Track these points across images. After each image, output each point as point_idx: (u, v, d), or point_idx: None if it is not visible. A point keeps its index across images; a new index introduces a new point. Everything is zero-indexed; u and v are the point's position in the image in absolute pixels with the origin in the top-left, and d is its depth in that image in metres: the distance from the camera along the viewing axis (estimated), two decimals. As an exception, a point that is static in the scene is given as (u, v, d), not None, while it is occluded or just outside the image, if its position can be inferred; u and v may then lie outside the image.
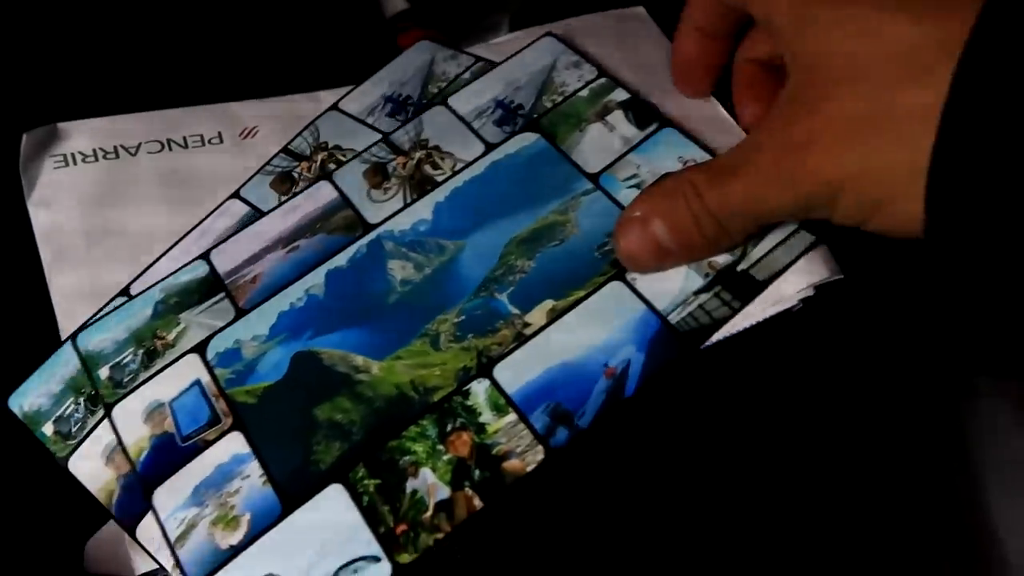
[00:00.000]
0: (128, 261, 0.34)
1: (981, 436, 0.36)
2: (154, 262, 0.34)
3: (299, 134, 0.37)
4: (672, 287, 0.30)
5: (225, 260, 0.34)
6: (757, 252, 0.30)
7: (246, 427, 0.30)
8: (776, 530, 0.31)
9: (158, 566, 0.29)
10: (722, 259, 0.30)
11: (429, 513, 0.28)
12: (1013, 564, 0.35)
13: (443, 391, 0.29)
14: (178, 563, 0.28)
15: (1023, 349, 0.28)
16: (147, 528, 0.29)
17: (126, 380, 0.32)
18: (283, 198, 0.35)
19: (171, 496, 0.29)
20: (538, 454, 0.28)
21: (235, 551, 0.28)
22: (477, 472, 0.28)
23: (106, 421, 0.31)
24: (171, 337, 0.33)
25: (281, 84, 0.38)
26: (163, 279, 0.34)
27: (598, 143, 0.34)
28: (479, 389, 0.29)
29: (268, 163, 0.37)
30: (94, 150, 0.35)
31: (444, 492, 0.28)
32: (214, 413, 0.31)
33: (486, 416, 0.29)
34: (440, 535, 0.27)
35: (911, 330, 0.31)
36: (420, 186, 0.34)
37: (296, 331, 0.32)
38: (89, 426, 0.31)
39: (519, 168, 0.34)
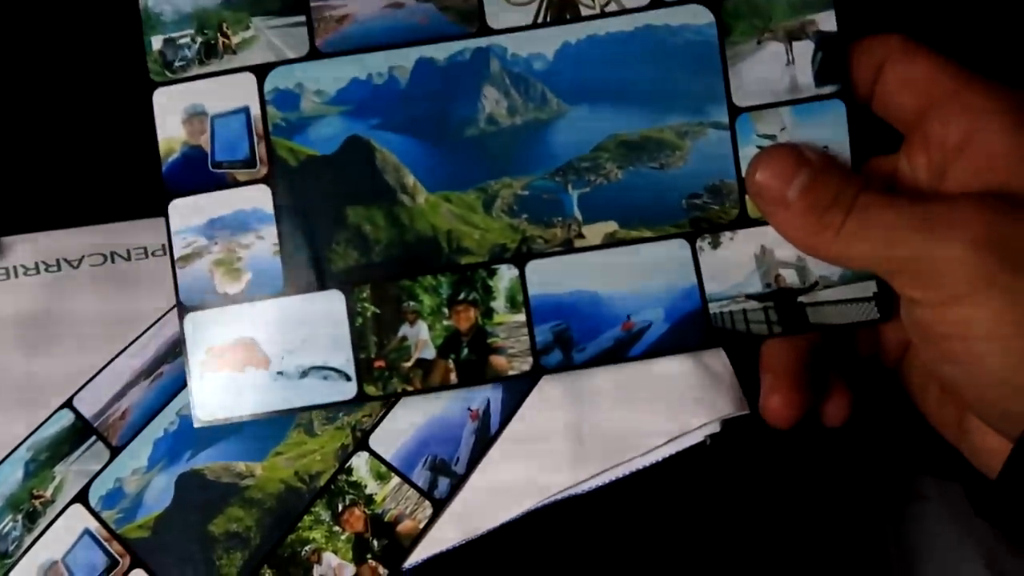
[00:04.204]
0: (68, 374, 0.33)
1: (920, 544, 0.38)
2: (98, 373, 0.32)
3: None
4: (731, 279, 0.29)
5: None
6: (823, 295, 0.29)
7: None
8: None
9: None
10: (791, 279, 0.29)
11: (409, 364, 0.29)
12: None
13: (473, 258, 0.29)
14: (175, 277, 0.30)
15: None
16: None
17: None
18: None
19: (185, 214, 0.29)
20: (525, 364, 0.29)
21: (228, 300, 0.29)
22: (466, 351, 0.29)
23: (42, 539, 0.31)
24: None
25: None
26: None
27: (766, 71, 0.29)
28: (505, 274, 0.29)
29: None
30: (36, 263, 0.33)
31: (430, 353, 0.29)
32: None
33: (498, 304, 0.29)
34: (410, 388, 0.29)
35: (857, 430, 0.31)
36: (560, 8, 0.29)
37: (363, 111, 0.29)
38: (26, 544, 0.31)
39: (671, 51, 0.29)
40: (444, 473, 0.30)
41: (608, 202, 0.29)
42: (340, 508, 0.30)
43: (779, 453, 0.33)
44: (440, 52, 0.29)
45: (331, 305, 0.29)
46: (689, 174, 0.29)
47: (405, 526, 0.30)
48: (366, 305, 0.29)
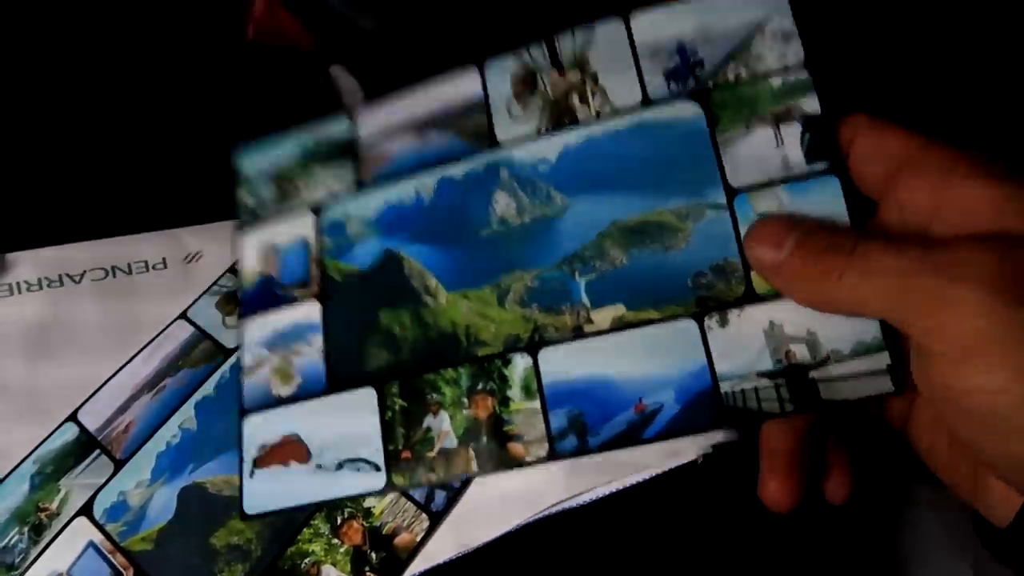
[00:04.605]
0: (72, 387, 0.34)
1: (912, 550, 0.37)
2: (102, 385, 0.34)
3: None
4: (741, 357, 0.28)
5: (369, 124, 0.35)
6: (835, 370, 0.27)
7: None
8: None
9: None
10: (801, 354, 0.28)
11: (433, 454, 0.31)
12: None
13: (490, 349, 0.31)
14: (240, 387, 0.33)
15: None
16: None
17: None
18: (227, 318, 0.35)
19: (256, 331, 0.34)
20: (541, 450, 0.29)
21: (281, 401, 0.33)
22: (485, 439, 0.30)
23: (48, 552, 0.33)
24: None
25: (234, 208, 0.36)
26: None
27: (758, 153, 0.30)
28: (520, 363, 0.30)
29: (215, 284, 0.36)
30: (39, 279, 0.35)
31: (451, 442, 0.31)
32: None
33: (514, 392, 0.30)
34: (433, 477, 0.30)
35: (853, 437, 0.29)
36: (560, 117, 0.32)
37: (394, 228, 0.33)
38: (32, 556, 0.33)
39: (664, 142, 0.31)
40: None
41: (615, 286, 0.30)
42: (339, 521, 0.31)
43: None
44: (458, 169, 0.33)
45: (365, 401, 0.32)
46: (692, 255, 0.30)
47: (402, 539, 0.30)
48: (395, 399, 0.31)
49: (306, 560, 0.31)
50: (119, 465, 0.33)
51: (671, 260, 0.30)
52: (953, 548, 0.37)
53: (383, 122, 0.35)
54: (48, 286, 0.35)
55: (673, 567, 0.31)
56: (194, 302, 0.37)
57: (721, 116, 0.30)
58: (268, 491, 0.32)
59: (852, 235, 0.26)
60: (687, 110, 0.31)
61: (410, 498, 0.31)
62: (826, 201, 0.29)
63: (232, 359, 0.35)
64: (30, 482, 0.33)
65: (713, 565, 0.32)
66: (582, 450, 0.29)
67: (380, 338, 0.32)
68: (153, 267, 0.36)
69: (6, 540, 0.32)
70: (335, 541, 0.31)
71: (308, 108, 0.35)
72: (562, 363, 0.30)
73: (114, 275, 0.35)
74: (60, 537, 0.32)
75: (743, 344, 0.29)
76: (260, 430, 0.33)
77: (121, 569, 0.32)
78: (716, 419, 0.28)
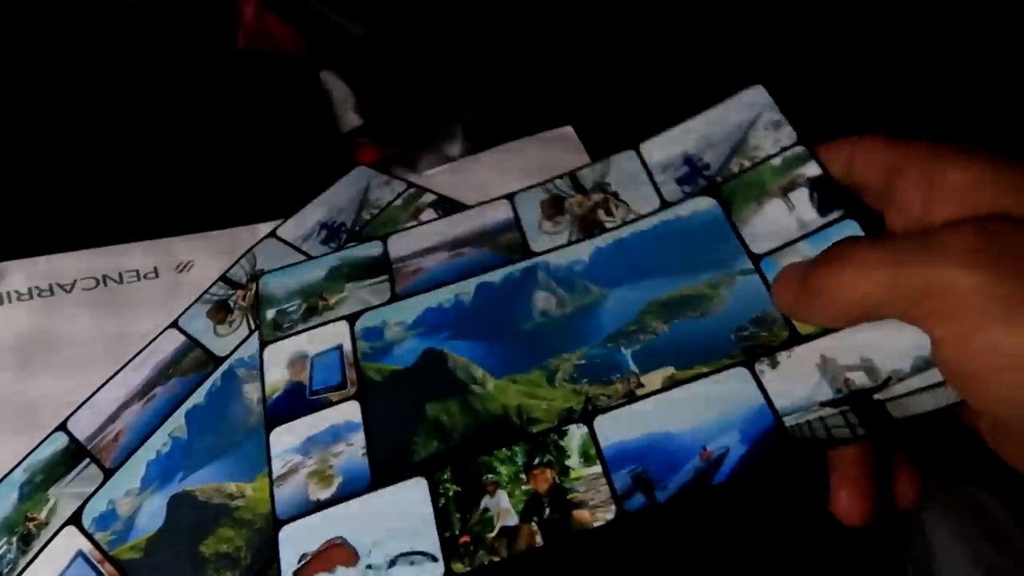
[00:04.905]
0: (62, 396, 0.34)
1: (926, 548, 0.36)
2: (93, 394, 0.34)
3: (236, 262, 0.38)
4: (799, 391, 0.29)
5: (399, 246, 0.37)
6: (900, 388, 0.28)
7: (365, 400, 0.33)
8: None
9: None
10: (860, 380, 0.28)
11: (493, 534, 0.29)
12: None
13: (543, 425, 0.30)
14: (272, 497, 0.31)
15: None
16: None
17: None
18: (218, 326, 0.36)
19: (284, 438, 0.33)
20: (609, 513, 0.28)
21: (320, 505, 0.31)
22: (548, 511, 0.29)
23: (37, 561, 0.32)
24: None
25: (225, 216, 0.38)
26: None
27: (774, 222, 0.33)
28: (576, 433, 0.30)
29: (206, 292, 0.37)
30: (29, 288, 0.36)
31: (512, 520, 0.29)
32: (344, 378, 0.33)
33: (573, 461, 0.29)
34: (496, 558, 0.28)
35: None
36: (588, 228, 0.35)
37: (435, 329, 0.34)
38: (20, 566, 0.32)
39: (687, 233, 0.34)
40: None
41: (661, 352, 0.31)
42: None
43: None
44: (496, 276, 0.35)
45: (415, 492, 0.30)
46: (731, 314, 0.31)
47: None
48: (448, 485, 0.30)
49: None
50: (108, 474, 0.33)
51: (711, 322, 0.31)
52: (966, 552, 0.36)
53: (414, 244, 0.37)
54: (39, 295, 0.35)
55: (685, 555, 0.30)
56: (185, 311, 0.37)
57: (734, 201, 0.34)
58: None
59: (844, 242, 0.28)
60: (703, 204, 0.34)
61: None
62: None
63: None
64: (19, 491, 0.33)
65: (722, 561, 0.31)
66: (651, 505, 0.28)
67: (427, 428, 0.31)
68: (144, 276, 0.35)
69: None
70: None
71: (299, 114, 0.36)
72: (619, 427, 0.30)
73: (105, 284, 0.35)
74: (49, 547, 0.32)
75: (799, 380, 0.29)
76: (299, 539, 0.30)
77: None
78: (784, 452, 0.28)
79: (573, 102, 0.47)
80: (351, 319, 0.35)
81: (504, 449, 0.30)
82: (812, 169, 0.33)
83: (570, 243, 0.35)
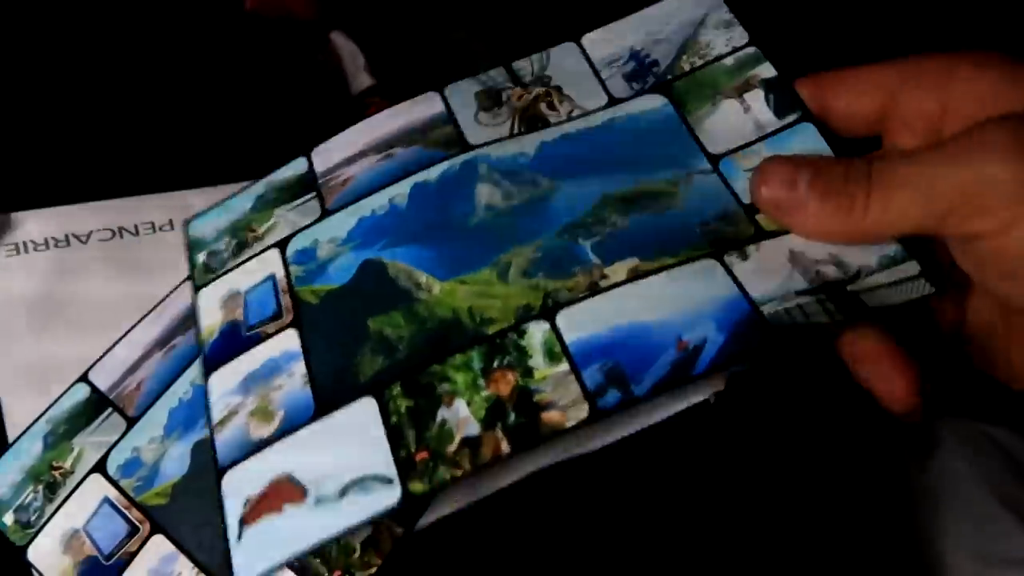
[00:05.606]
0: (79, 345, 0.34)
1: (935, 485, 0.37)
2: (114, 345, 0.34)
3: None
4: (772, 281, 0.27)
5: (324, 159, 0.34)
6: (870, 281, 0.27)
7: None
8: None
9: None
10: (832, 273, 0.27)
11: (454, 447, 0.26)
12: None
13: (499, 324, 0.27)
14: (213, 444, 0.29)
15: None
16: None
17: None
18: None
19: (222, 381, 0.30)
20: (582, 411, 0.25)
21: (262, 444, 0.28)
22: (513, 416, 0.26)
23: (63, 509, 0.31)
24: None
25: (238, 170, 0.37)
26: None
27: (730, 123, 0.31)
28: (536, 331, 0.27)
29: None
30: (45, 239, 0.36)
31: (474, 429, 0.26)
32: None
33: (536, 360, 0.27)
34: (459, 472, 0.25)
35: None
36: (531, 122, 0.32)
37: (371, 239, 0.31)
38: (48, 514, 0.32)
39: (638, 131, 0.32)
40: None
41: (623, 244, 0.29)
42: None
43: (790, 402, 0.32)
44: (432, 174, 0.32)
45: (363, 414, 0.27)
46: (692, 211, 0.29)
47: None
48: (399, 401, 0.27)
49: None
50: (131, 422, 0.32)
51: (672, 218, 0.29)
52: (976, 478, 0.37)
53: (339, 152, 0.34)
54: (55, 246, 0.34)
55: (688, 510, 0.30)
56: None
57: (686, 100, 0.32)
58: (262, 548, 0.25)
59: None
60: (654, 101, 0.32)
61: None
62: (808, 146, 0.29)
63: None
64: (43, 442, 0.33)
65: (727, 508, 0.30)
66: (628, 401, 0.25)
67: (371, 345, 0.28)
68: (160, 228, 0.35)
69: (21, 499, 0.32)
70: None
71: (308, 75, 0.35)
72: (584, 321, 0.27)
73: (121, 236, 0.35)
74: (75, 494, 0.32)
75: (771, 272, 0.27)
76: (242, 484, 0.27)
77: (137, 524, 0.31)
78: (765, 339, 0.26)
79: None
80: (281, 245, 0.32)
81: (458, 355, 0.27)
82: (767, 70, 0.32)
83: (512, 135, 0.32)
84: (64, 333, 0.34)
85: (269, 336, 0.30)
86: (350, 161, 0.33)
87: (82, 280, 0.35)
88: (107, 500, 0.31)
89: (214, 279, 0.33)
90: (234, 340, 0.30)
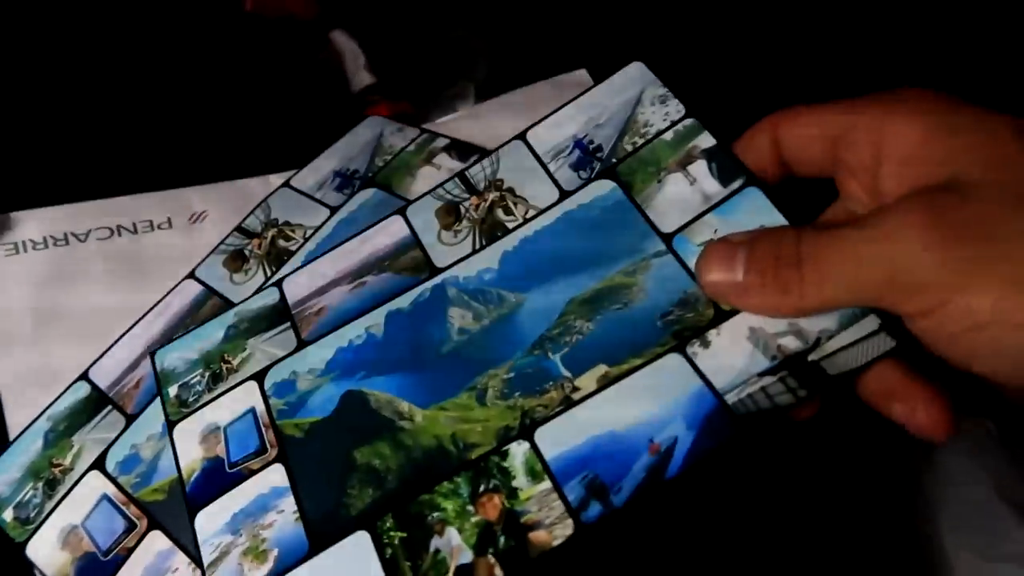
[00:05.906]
0: (79, 344, 0.35)
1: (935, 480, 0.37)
2: (114, 343, 0.34)
3: (251, 212, 0.38)
4: (734, 365, 0.28)
5: (295, 289, 0.35)
6: (832, 345, 0.27)
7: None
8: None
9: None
10: (792, 344, 0.28)
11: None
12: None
13: (482, 449, 0.29)
14: None
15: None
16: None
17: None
18: (234, 275, 0.36)
19: (210, 521, 0.30)
20: (567, 528, 0.27)
21: None
22: (503, 539, 0.27)
23: (62, 506, 0.32)
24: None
25: (237, 168, 0.38)
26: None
27: (677, 197, 0.32)
28: (517, 451, 0.28)
29: (222, 243, 0.37)
30: (44, 238, 0.36)
31: (467, 556, 0.27)
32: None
33: (520, 481, 0.28)
34: (456, 600, 0.27)
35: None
36: (491, 231, 0.34)
37: (350, 369, 0.32)
38: (47, 510, 0.32)
39: (591, 220, 0.33)
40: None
41: (590, 351, 0.30)
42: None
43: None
44: (405, 301, 0.33)
45: (358, 549, 0.28)
46: (653, 300, 0.30)
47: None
48: (392, 534, 0.28)
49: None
50: (130, 420, 0.33)
51: (635, 312, 0.30)
52: (974, 472, 0.37)
53: (311, 283, 0.35)
54: (54, 245, 0.35)
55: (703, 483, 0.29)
56: (201, 262, 0.37)
57: (633, 182, 0.33)
58: None
59: (793, 240, 0.27)
60: (602, 188, 0.33)
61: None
62: (758, 211, 0.30)
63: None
64: (43, 439, 0.33)
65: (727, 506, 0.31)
66: (608, 512, 0.27)
67: (360, 477, 0.29)
68: (158, 226, 0.36)
69: (21, 495, 0.32)
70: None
71: (309, 74, 0.35)
72: (561, 436, 0.28)
73: (119, 235, 0.35)
74: (74, 491, 0.32)
75: (733, 356, 0.28)
76: None
77: (135, 520, 0.31)
78: (733, 429, 0.27)
79: (586, 46, 0.46)
80: (258, 377, 0.33)
81: (445, 483, 0.28)
82: (706, 140, 0.32)
83: (475, 251, 0.33)
84: (63, 331, 0.34)
85: (254, 472, 0.31)
86: (322, 291, 0.34)
87: (81, 279, 0.35)
88: (106, 496, 0.32)
89: (190, 414, 0.33)
90: (218, 477, 0.31)
